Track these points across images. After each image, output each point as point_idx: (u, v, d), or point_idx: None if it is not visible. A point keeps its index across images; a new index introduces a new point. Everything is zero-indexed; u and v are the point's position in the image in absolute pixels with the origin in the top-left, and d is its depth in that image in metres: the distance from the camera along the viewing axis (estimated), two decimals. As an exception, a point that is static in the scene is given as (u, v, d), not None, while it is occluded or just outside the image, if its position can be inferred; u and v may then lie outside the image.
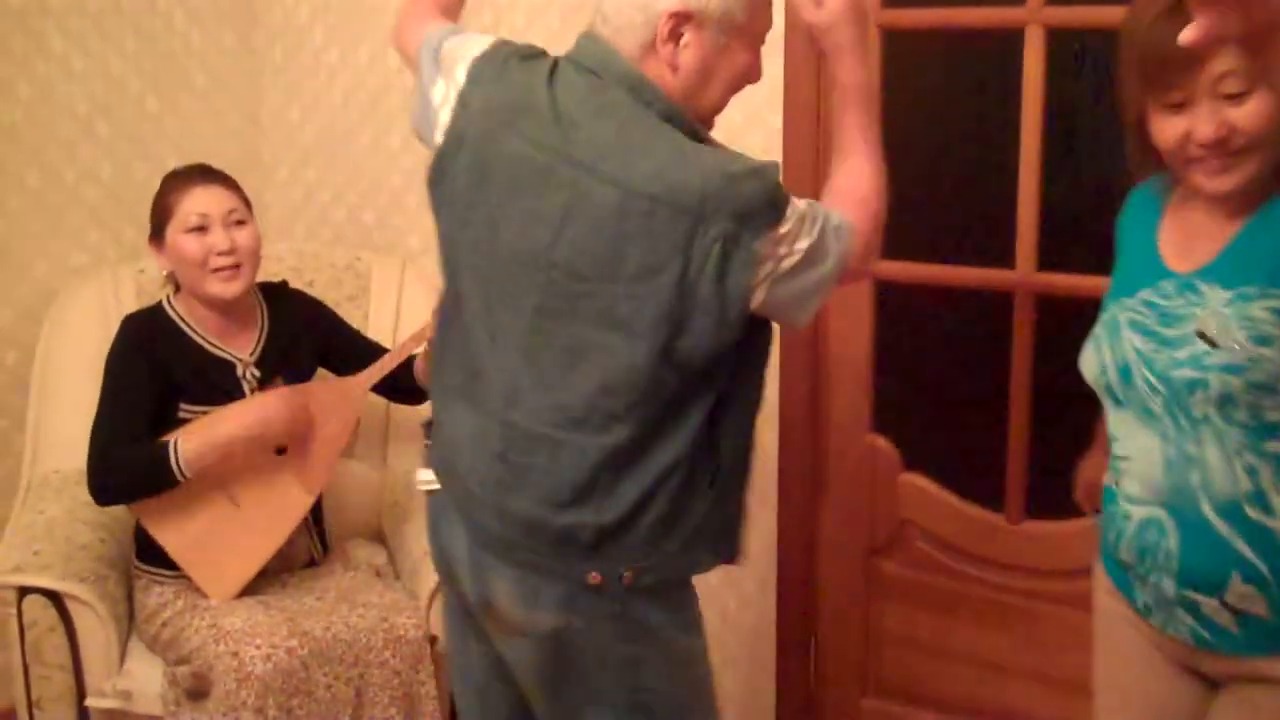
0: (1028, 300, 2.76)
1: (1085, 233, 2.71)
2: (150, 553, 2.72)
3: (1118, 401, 1.85)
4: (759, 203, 1.77)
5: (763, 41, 1.95)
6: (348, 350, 2.90)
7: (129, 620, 2.78)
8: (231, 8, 3.59)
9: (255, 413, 2.64)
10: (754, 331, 1.88)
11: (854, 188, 1.94)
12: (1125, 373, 1.82)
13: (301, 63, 3.61)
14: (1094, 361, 1.88)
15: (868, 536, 3.09)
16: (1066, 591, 2.78)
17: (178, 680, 2.58)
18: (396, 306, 3.28)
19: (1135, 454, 1.83)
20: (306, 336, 2.86)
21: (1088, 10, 2.56)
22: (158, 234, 2.72)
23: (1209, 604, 1.77)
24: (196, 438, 2.59)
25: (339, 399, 2.78)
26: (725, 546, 2.01)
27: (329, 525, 2.96)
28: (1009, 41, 2.63)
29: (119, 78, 3.37)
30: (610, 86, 1.85)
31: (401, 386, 2.85)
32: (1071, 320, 2.70)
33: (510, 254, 1.88)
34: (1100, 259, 2.62)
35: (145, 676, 2.66)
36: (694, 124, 1.89)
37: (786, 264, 1.81)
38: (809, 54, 2.82)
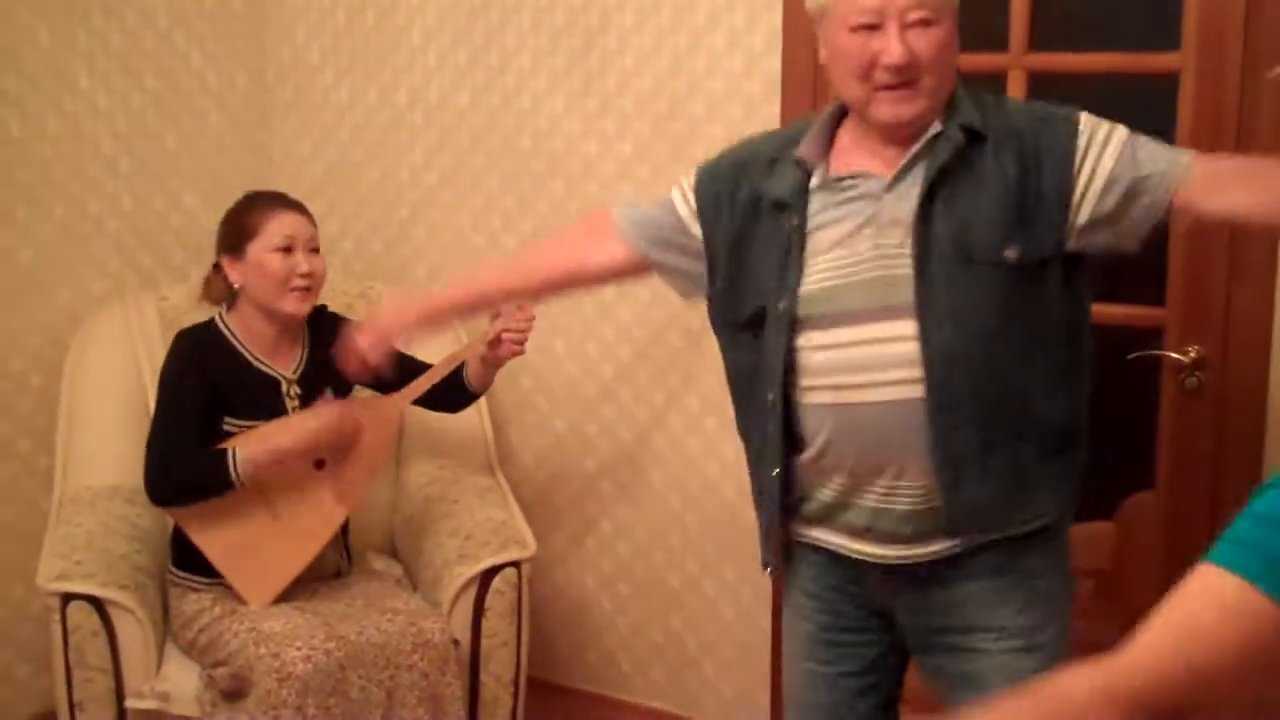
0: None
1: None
2: (187, 561, 2.86)
3: None
4: None
5: (861, 22, 1.93)
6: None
7: (164, 626, 2.91)
8: (245, 48, 3.76)
9: (308, 424, 2.81)
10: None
11: None
12: None
13: (311, 100, 3.78)
14: None
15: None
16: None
17: (215, 681, 2.72)
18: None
19: None
20: None
21: (1065, 57, 2.78)
22: (237, 249, 2.88)
23: None
24: (253, 446, 2.75)
25: (377, 416, 2.94)
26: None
27: (352, 539, 3.10)
28: (994, 86, 2.84)
29: (140, 114, 3.53)
30: None
31: (447, 395, 3.00)
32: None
33: None
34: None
35: (181, 679, 2.80)
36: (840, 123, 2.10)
37: None
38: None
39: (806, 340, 2.02)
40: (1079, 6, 2.94)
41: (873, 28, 1.92)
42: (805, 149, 2.05)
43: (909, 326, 1.96)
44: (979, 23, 2.92)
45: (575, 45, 3.35)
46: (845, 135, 2.07)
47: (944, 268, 1.95)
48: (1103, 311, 2.80)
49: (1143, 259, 2.76)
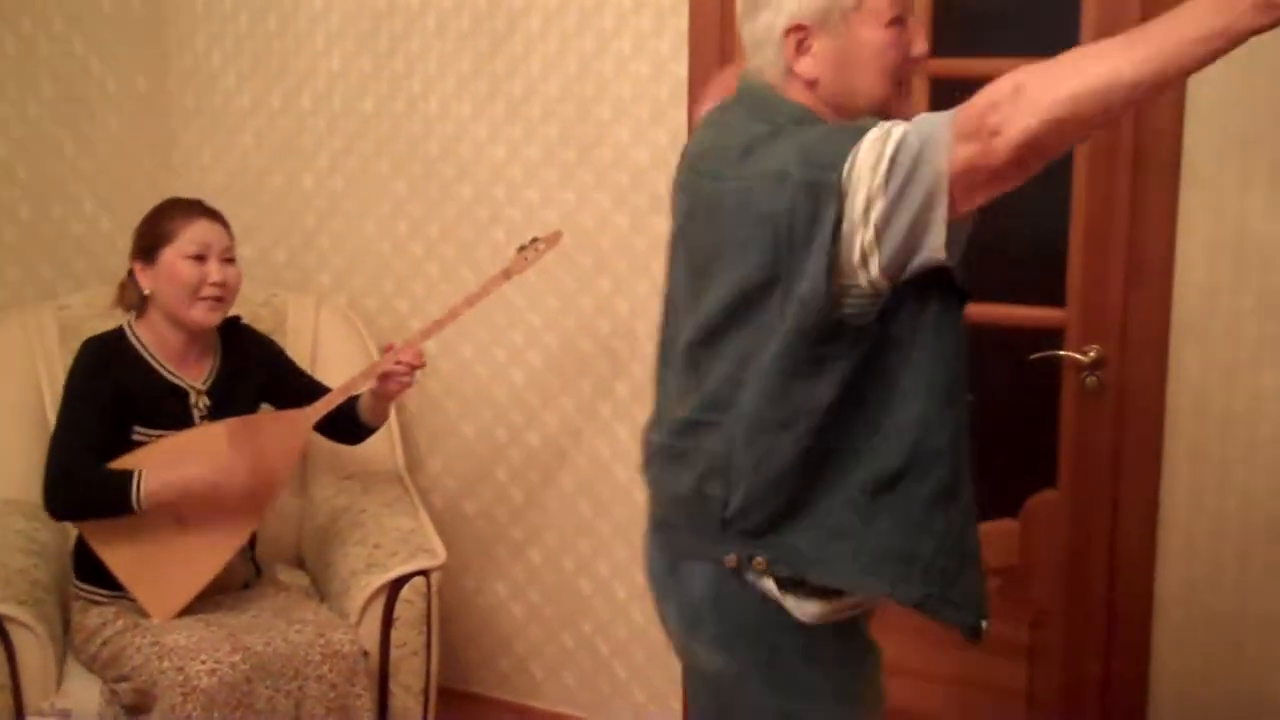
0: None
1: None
2: (90, 573, 2.81)
3: None
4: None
5: (895, 14, 1.80)
6: (293, 387, 3.03)
7: (64, 642, 2.85)
8: (145, 52, 3.70)
9: (219, 465, 2.75)
10: (899, 301, 1.75)
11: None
12: None
13: (213, 105, 3.73)
14: None
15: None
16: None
17: (118, 696, 2.67)
18: (313, 342, 3.41)
19: None
20: (256, 371, 2.99)
21: (966, 61, 2.82)
22: (149, 255, 2.82)
23: None
24: (160, 475, 2.70)
25: (286, 431, 2.91)
26: (902, 584, 1.82)
27: (259, 550, 3.06)
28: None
29: (36, 121, 3.45)
30: (733, 107, 1.92)
31: (342, 425, 3.00)
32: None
33: (680, 277, 1.98)
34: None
35: (83, 695, 2.74)
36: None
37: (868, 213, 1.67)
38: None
39: None
40: (979, 8, 2.98)
41: (901, 21, 1.81)
42: None
43: None
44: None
45: (481, 50, 3.34)
46: None
47: None
48: (1004, 313, 2.86)
49: (1043, 261, 2.83)
